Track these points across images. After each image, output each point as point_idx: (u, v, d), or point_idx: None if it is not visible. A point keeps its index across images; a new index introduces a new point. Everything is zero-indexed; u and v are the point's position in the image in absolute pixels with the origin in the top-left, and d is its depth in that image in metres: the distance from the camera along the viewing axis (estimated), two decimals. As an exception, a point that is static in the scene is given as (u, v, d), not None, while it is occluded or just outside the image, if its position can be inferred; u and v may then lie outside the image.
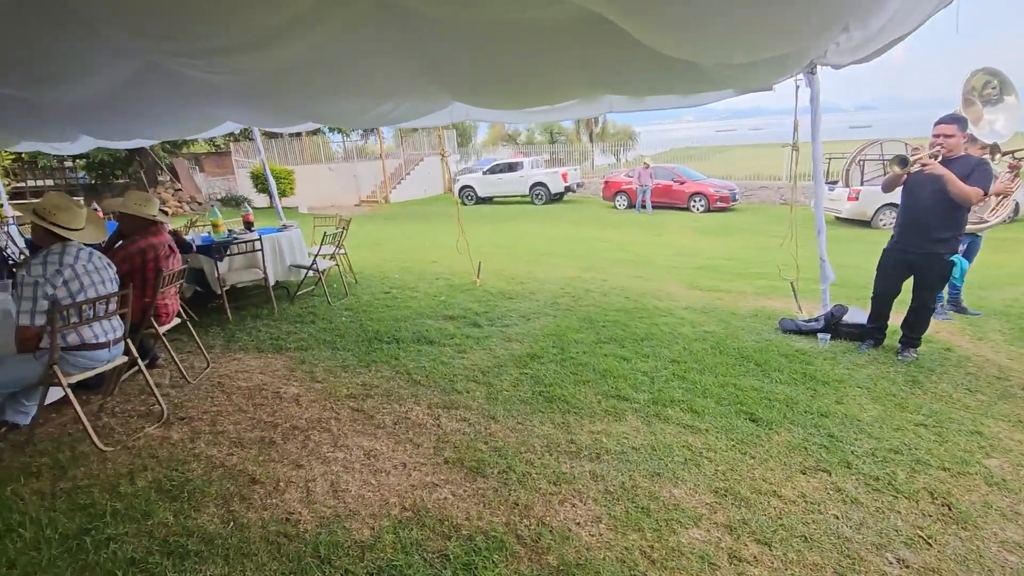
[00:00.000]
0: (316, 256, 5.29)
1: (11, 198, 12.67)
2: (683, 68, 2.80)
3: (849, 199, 12.44)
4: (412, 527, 2.13)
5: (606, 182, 17.84)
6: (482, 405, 3.16)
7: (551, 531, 2.09)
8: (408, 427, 2.93)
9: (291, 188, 18.91)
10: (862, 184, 12.66)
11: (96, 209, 6.91)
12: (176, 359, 3.50)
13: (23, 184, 17.79)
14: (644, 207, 15.65)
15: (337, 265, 5.81)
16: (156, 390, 3.09)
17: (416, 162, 22.67)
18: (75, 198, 2.64)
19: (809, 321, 4.35)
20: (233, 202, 18.72)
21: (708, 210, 15.43)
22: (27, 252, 6.46)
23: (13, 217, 8.75)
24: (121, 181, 18.69)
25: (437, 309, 5.19)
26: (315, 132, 23.12)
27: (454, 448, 2.70)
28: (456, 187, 19.27)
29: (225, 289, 4.83)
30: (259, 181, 18.55)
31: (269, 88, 3.68)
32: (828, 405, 3.04)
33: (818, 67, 3.60)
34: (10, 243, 6.60)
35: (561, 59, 2.86)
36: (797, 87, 3.87)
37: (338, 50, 2.79)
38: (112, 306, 2.83)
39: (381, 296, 5.72)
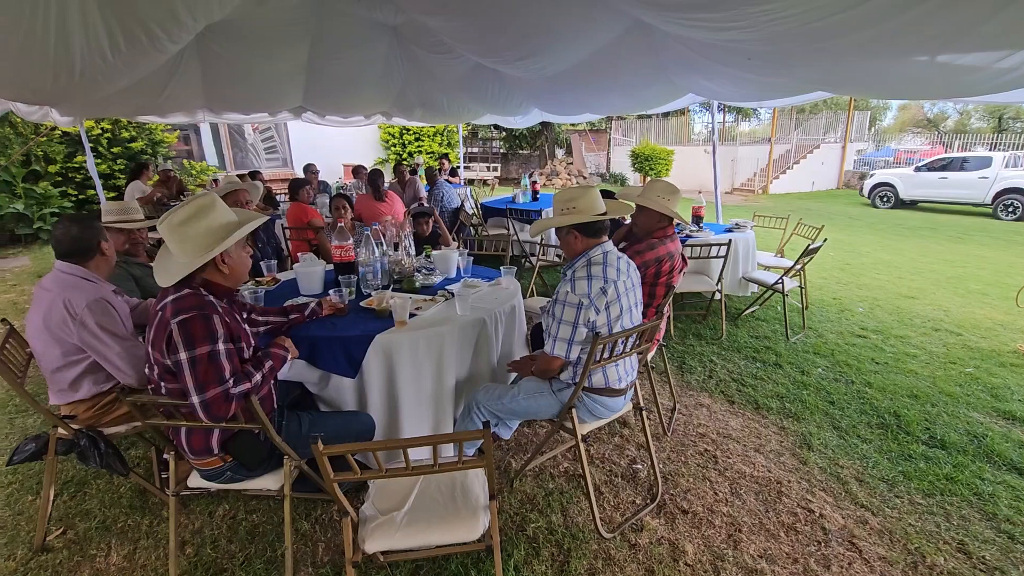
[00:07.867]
0: (787, 274, 3.95)
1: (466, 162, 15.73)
2: None
3: None
4: None
5: None
6: None
7: None
8: None
9: (667, 170, 18.27)
10: None
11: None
12: (657, 401, 2.70)
13: (465, 150, 22.15)
14: None
15: (801, 286, 4.37)
16: (655, 460, 2.29)
17: (810, 149, 19.05)
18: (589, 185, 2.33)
19: None
20: (612, 179, 19.32)
21: None
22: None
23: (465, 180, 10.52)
24: (525, 152, 21.41)
25: (971, 389, 3.26)
26: (682, 112, 21.84)
27: None
28: (867, 184, 15.19)
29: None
30: (638, 160, 18.49)
31: (775, 46, 2.37)
32: None
33: None
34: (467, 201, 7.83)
35: None
36: None
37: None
38: (637, 339, 2.08)
39: (853, 340, 4.05)
